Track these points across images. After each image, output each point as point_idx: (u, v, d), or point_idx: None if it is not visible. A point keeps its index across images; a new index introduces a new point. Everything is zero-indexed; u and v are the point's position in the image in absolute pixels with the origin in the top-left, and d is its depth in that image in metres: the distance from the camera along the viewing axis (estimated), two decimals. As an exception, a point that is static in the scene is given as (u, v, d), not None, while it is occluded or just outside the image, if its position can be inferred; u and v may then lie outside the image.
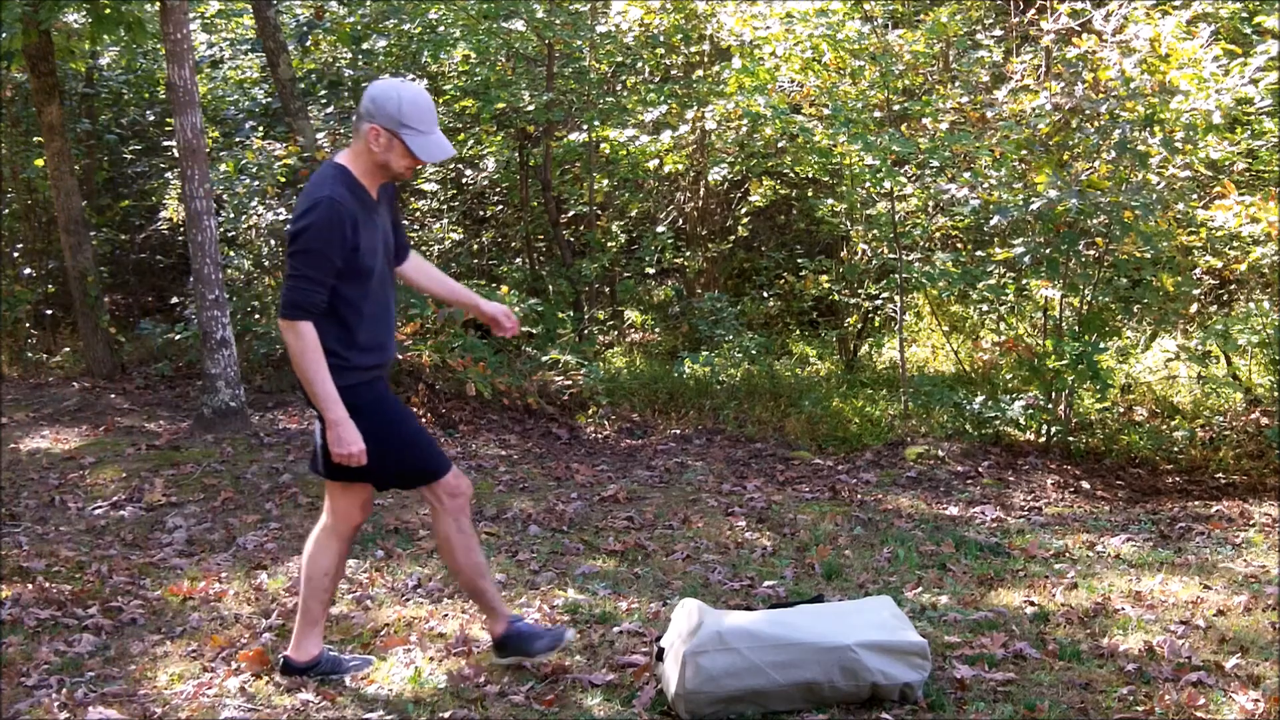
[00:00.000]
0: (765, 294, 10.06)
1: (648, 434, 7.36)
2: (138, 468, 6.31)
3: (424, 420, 7.46)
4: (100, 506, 5.65)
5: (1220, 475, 6.49)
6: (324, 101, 10.32)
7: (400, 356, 7.50)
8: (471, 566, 3.54)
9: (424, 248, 11.06)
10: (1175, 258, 7.05)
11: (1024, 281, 7.69)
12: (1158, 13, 6.69)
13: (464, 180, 11.22)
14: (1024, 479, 6.38)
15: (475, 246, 11.17)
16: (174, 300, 10.23)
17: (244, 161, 8.71)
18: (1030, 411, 6.79)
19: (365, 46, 9.86)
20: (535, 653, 3.57)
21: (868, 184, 8.03)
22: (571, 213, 10.36)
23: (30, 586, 4.43)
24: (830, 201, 8.83)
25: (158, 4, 7.15)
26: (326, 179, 3.33)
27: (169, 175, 10.81)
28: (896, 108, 7.85)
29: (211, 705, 3.43)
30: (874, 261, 8.56)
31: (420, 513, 5.49)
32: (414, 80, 3.39)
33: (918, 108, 7.67)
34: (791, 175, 9.55)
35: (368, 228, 3.34)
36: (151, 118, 11.48)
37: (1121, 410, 7.46)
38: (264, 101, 10.31)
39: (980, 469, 6.52)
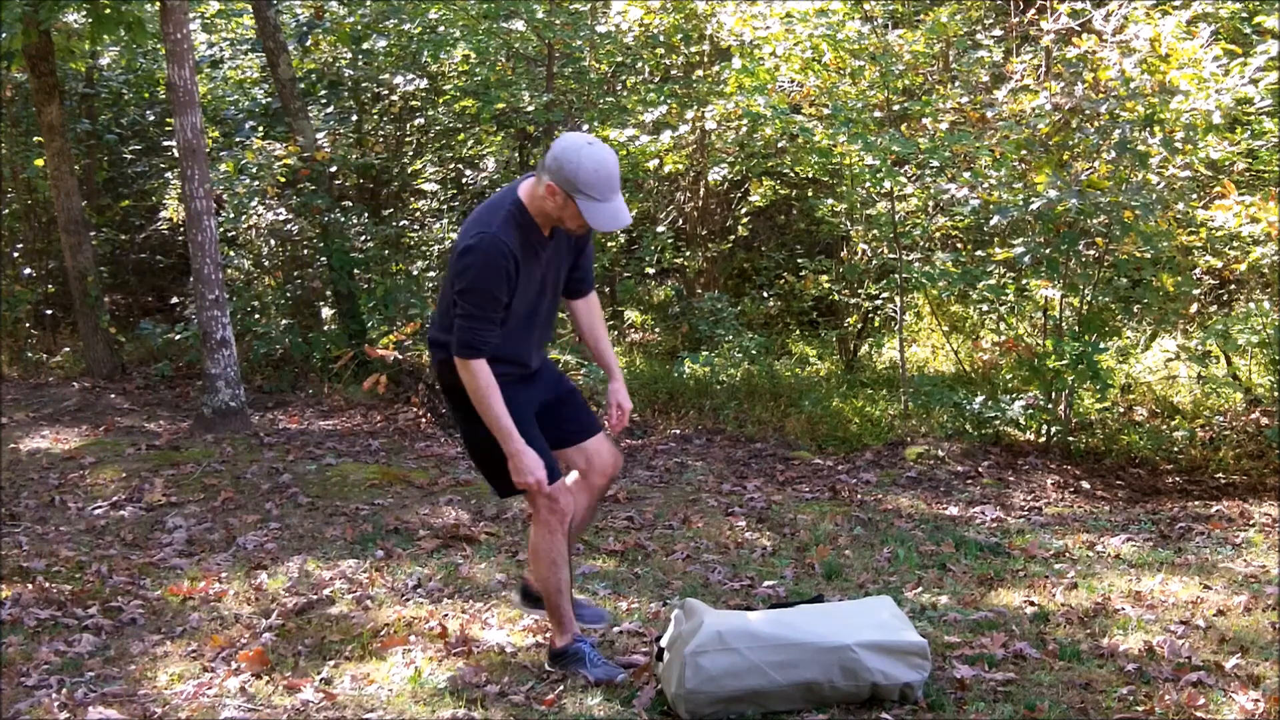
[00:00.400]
0: (765, 294, 10.05)
1: (648, 434, 7.36)
2: (138, 468, 6.30)
3: (424, 420, 7.46)
4: (100, 506, 5.65)
5: (1220, 475, 6.49)
6: (324, 101, 10.31)
7: (400, 356, 7.50)
8: (554, 581, 3.50)
9: (424, 247, 11.07)
10: (1175, 258, 7.05)
11: (1024, 281, 7.69)
12: (1158, 13, 6.68)
13: (464, 180, 11.22)
14: (1024, 479, 6.38)
15: (475, 246, 11.14)
16: (174, 300, 10.24)
17: (244, 161, 8.71)
18: (1030, 411, 6.78)
19: (365, 46, 9.86)
20: (586, 676, 3.56)
21: (868, 184, 8.03)
22: (571, 213, 10.35)
23: (30, 586, 4.43)
24: (830, 201, 8.83)
25: (158, 4, 7.15)
26: (499, 214, 3.29)
27: (169, 175, 10.81)
28: (896, 108, 7.84)
29: (211, 705, 3.43)
30: (874, 261, 8.56)
31: (420, 513, 5.49)
32: (592, 142, 3.28)
33: (918, 108, 7.67)
34: (791, 175, 9.55)
35: (529, 267, 3.33)
36: (151, 118, 11.47)
37: (1121, 410, 7.46)
38: (264, 101, 10.30)
39: (980, 469, 6.52)
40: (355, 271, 8.91)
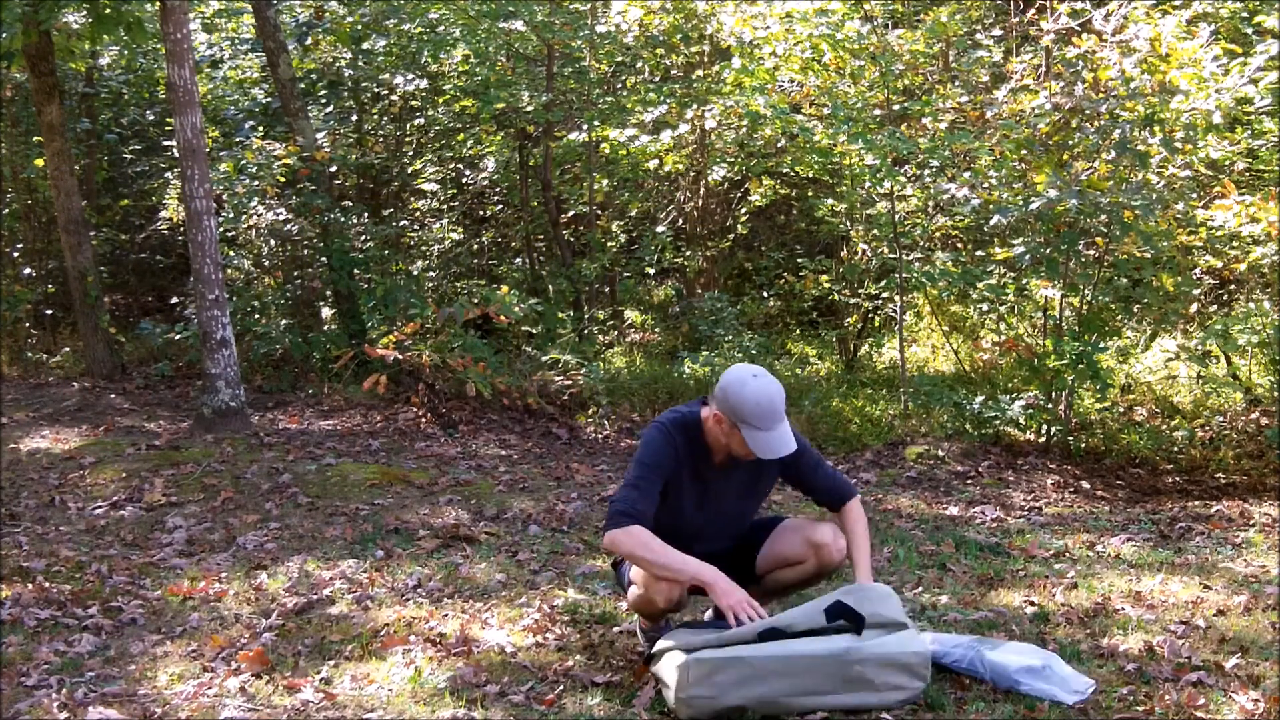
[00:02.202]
0: (765, 294, 10.06)
1: (648, 434, 7.35)
2: (138, 468, 6.30)
3: (424, 420, 7.46)
4: (100, 506, 5.65)
5: (1220, 475, 6.49)
6: (324, 101, 10.32)
7: (400, 356, 7.50)
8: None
9: (424, 247, 11.08)
10: (1175, 258, 7.05)
11: (1024, 281, 7.69)
12: (1158, 13, 6.68)
13: (464, 180, 11.23)
14: (1024, 479, 6.38)
15: (475, 246, 11.18)
16: (174, 300, 10.24)
17: (244, 161, 8.71)
18: (1030, 411, 6.78)
19: (365, 46, 9.86)
20: None
21: (868, 184, 8.03)
22: (571, 213, 10.37)
23: (30, 586, 4.43)
24: (830, 201, 8.83)
25: (158, 4, 7.15)
26: (684, 421, 3.46)
27: (169, 175, 10.82)
28: (896, 107, 7.84)
29: (211, 705, 3.43)
30: (874, 261, 8.56)
31: (420, 513, 5.49)
32: (758, 374, 3.28)
33: (918, 108, 7.67)
34: (791, 175, 9.56)
35: (682, 485, 3.46)
36: (151, 118, 11.48)
37: (1121, 410, 7.46)
38: (264, 101, 10.31)
39: (980, 469, 6.52)
40: (355, 271, 8.92)
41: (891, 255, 8.04)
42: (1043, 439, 6.89)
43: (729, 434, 3.37)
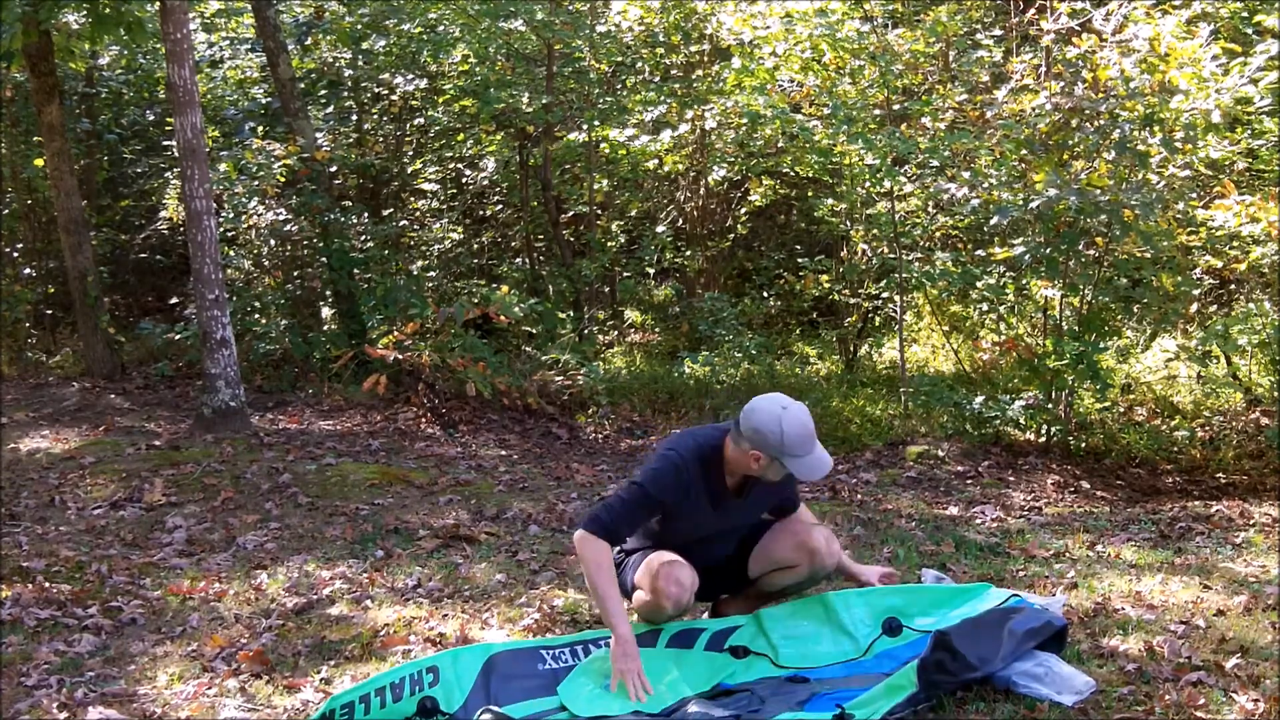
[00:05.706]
0: (765, 294, 10.06)
1: (648, 434, 7.35)
2: (138, 468, 6.30)
3: (424, 420, 7.46)
4: (100, 506, 5.65)
5: (1220, 475, 6.49)
6: (324, 101, 10.32)
7: (400, 356, 7.50)
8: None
9: (424, 247, 11.08)
10: (1175, 257, 7.05)
11: (1024, 281, 7.69)
12: (1158, 12, 6.68)
13: (464, 180, 11.23)
14: (1024, 479, 6.38)
15: (475, 246, 11.18)
16: (174, 300, 10.24)
17: (244, 161, 8.71)
18: (1030, 411, 6.79)
19: (365, 46, 9.86)
20: None
21: (868, 184, 8.03)
22: (571, 213, 10.37)
23: (30, 586, 4.43)
24: (830, 201, 8.83)
25: (158, 4, 7.15)
26: (700, 450, 3.47)
27: (169, 175, 10.82)
28: (896, 107, 7.85)
29: (211, 705, 3.43)
30: (874, 261, 8.56)
31: (420, 513, 5.50)
32: (787, 406, 3.29)
33: (918, 107, 7.67)
34: (791, 175, 9.56)
35: (697, 511, 3.51)
36: (151, 118, 11.48)
37: (1121, 410, 7.46)
38: (264, 101, 10.31)
39: (980, 469, 6.51)
40: (355, 271, 8.92)
41: (891, 255, 8.04)
42: (1043, 439, 6.89)
43: (767, 467, 3.41)
